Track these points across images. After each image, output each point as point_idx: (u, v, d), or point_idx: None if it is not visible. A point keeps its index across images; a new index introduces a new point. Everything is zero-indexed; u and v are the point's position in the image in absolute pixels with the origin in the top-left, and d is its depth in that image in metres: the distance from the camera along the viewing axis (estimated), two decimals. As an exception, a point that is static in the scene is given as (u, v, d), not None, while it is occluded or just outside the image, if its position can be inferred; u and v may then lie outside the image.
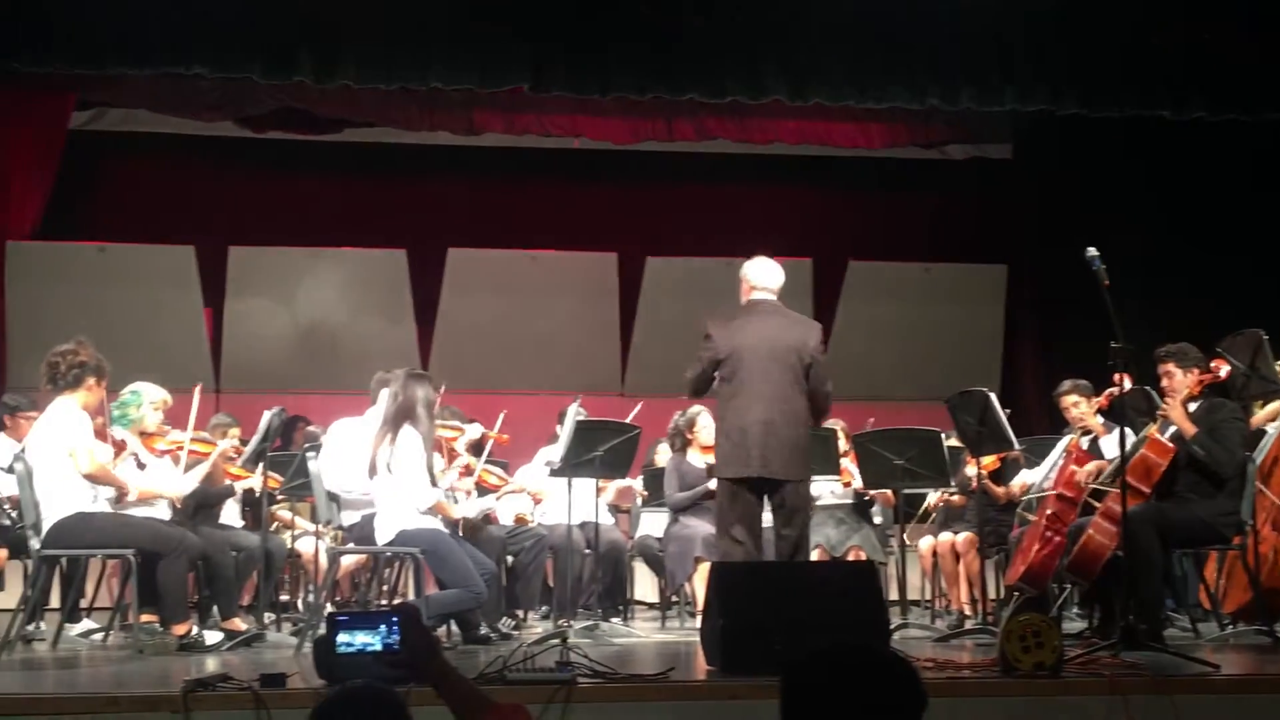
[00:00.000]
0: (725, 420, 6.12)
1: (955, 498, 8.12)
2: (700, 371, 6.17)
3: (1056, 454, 7.35)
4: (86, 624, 7.16)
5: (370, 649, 2.59)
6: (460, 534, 6.79)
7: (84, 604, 7.44)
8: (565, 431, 7.21)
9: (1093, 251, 5.57)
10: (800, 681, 2.11)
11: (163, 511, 6.60)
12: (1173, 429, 6.24)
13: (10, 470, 6.66)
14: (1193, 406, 6.25)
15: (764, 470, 5.95)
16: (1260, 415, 7.05)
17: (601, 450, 7.14)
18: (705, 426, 7.92)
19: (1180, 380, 6.26)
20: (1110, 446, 6.98)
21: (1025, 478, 7.67)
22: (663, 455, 8.63)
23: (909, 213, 11.75)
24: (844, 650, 2.30)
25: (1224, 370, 6.35)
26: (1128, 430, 5.90)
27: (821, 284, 11.16)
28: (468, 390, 9.43)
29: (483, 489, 7.70)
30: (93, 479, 6.00)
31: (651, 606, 9.29)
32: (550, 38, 8.64)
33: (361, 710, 2.27)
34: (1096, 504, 6.53)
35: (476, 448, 7.61)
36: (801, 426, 6.06)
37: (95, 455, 6.01)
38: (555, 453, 7.49)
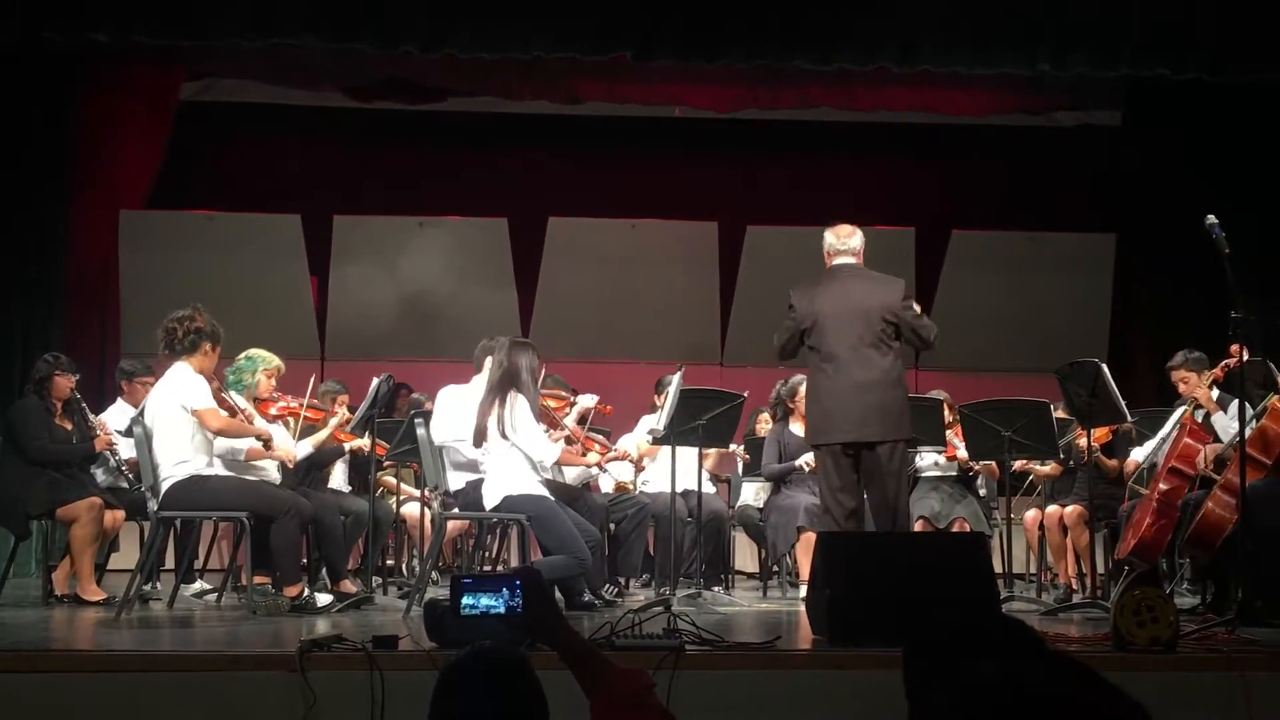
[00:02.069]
0: (815, 387, 6.11)
1: (1049, 467, 8.00)
2: (786, 339, 6.21)
3: (1169, 427, 7.21)
4: (200, 585, 7.33)
5: (494, 611, 2.60)
6: (589, 483, 6.84)
7: (198, 565, 7.60)
8: (669, 399, 7.20)
9: (1212, 219, 5.45)
10: (926, 650, 2.08)
11: (273, 475, 6.71)
12: (1296, 400, 6.09)
13: (128, 434, 6.83)
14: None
15: (856, 434, 5.93)
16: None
17: (705, 419, 7.13)
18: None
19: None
20: (1221, 422, 6.83)
21: (1136, 456, 7.54)
22: (764, 425, 8.61)
23: (1014, 181, 11.59)
24: (967, 618, 2.27)
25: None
26: (1246, 403, 5.78)
27: (924, 254, 11.03)
28: (568, 359, 9.48)
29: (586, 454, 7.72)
30: (224, 434, 6.14)
31: (751, 576, 9.29)
32: (655, 5, 8.60)
33: (494, 670, 2.29)
34: (1215, 477, 6.40)
35: (580, 417, 7.64)
36: (893, 389, 6.01)
37: (221, 415, 6.14)
38: (657, 421, 7.50)
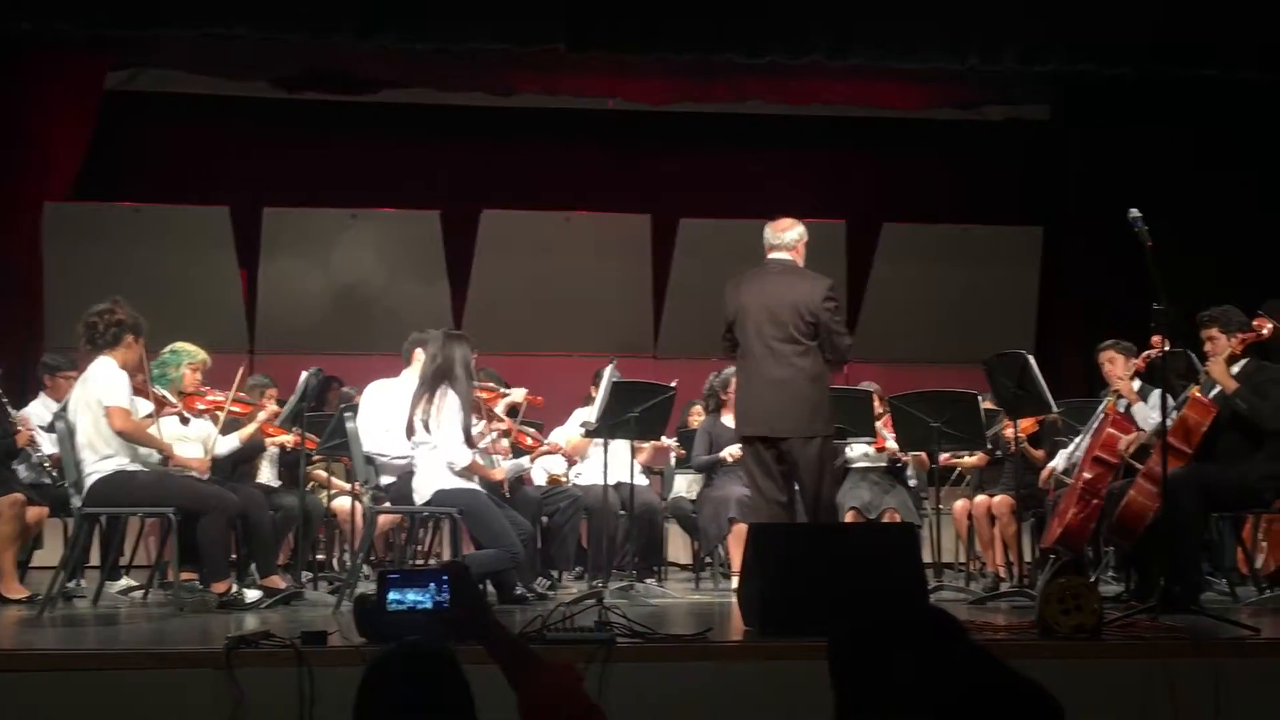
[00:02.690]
0: (737, 380, 6.15)
1: (976, 457, 8.08)
2: (722, 333, 6.22)
3: (1095, 419, 7.31)
4: (126, 581, 7.22)
5: (421, 606, 2.58)
6: (506, 492, 6.82)
7: (123, 562, 7.49)
8: (601, 392, 7.20)
9: (1135, 212, 5.51)
10: (850, 641, 2.09)
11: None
12: (1215, 389, 6.19)
13: (51, 429, 6.71)
14: (1235, 368, 6.21)
15: (768, 429, 5.95)
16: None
17: (637, 411, 7.13)
18: (740, 388, 7.91)
19: (1223, 344, 6.22)
20: (1143, 412, 6.92)
21: (1055, 463, 7.62)
22: (697, 417, 8.63)
23: (945, 174, 11.69)
24: (891, 610, 2.28)
25: (1266, 329, 6.28)
26: (1167, 394, 5.87)
27: (856, 246, 11.11)
28: (501, 352, 9.43)
29: (519, 449, 7.70)
30: (125, 436, 6.01)
31: (684, 568, 9.30)
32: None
33: (419, 667, 2.28)
34: (1138, 465, 6.50)
35: (511, 409, 7.61)
36: (807, 385, 5.94)
37: (129, 415, 6.03)
38: (589, 414, 7.50)
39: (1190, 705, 4.30)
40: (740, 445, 6.19)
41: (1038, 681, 1.57)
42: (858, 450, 8.09)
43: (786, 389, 5.91)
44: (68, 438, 6.08)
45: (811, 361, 5.96)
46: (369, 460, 6.79)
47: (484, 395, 7.06)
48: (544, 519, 7.62)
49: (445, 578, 2.61)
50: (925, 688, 1.61)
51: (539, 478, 8.06)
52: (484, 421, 6.82)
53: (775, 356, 5.93)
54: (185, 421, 6.73)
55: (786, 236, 6.17)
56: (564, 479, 8.05)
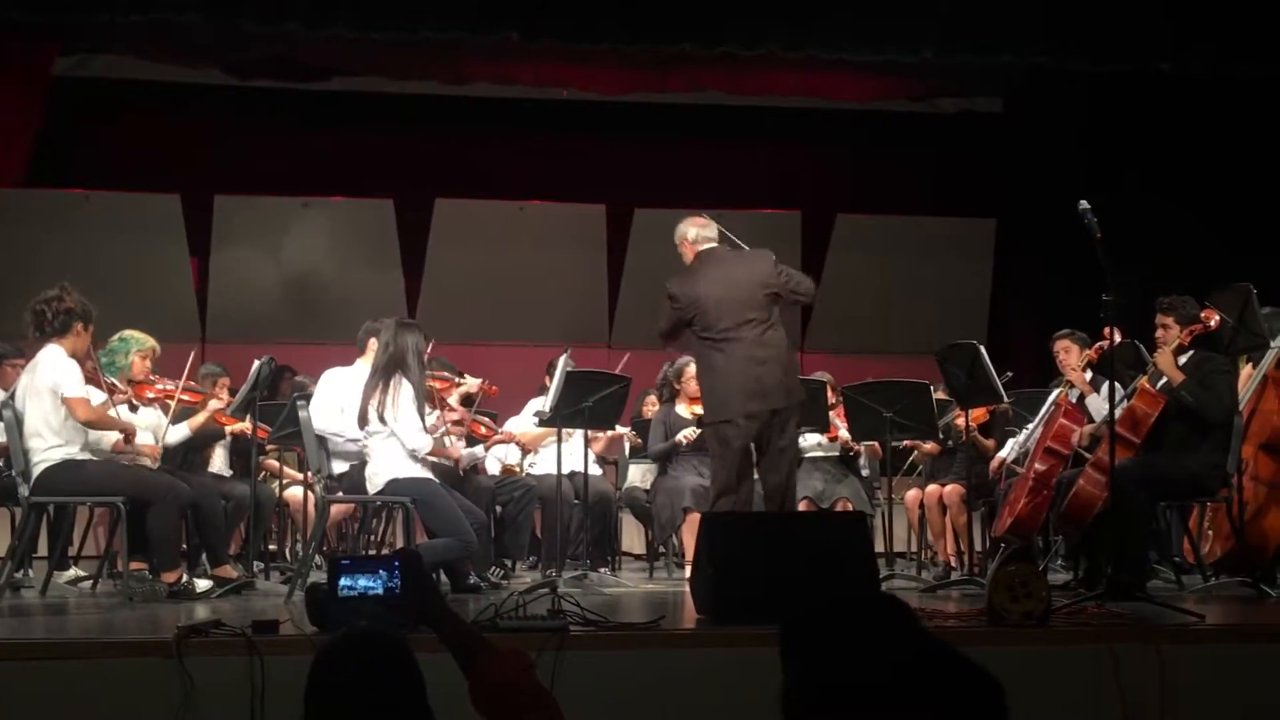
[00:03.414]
0: (711, 369, 6.14)
1: (930, 446, 8.14)
2: (668, 327, 6.27)
3: (1046, 409, 7.38)
4: (75, 571, 7.14)
5: (372, 593, 2.58)
6: (462, 474, 6.82)
7: (72, 552, 7.42)
8: (555, 381, 7.20)
9: (1085, 204, 5.54)
10: (802, 628, 2.11)
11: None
12: (1163, 380, 6.27)
13: (-2, 418, 6.64)
14: (1182, 359, 6.28)
15: (759, 404, 5.97)
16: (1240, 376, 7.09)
17: (591, 401, 7.13)
18: (693, 377, 7.92)
19: (1174, 334, 6.29)
20: (1094, 403, 7.00)
21: (1003, 453, 7.69)
22: (651, 407, 8.65)
23: (898, 166, 11.75)
24: (843, 596, 2.30)
25: (1214, 320, 6.36)
26: (1116, 384, 5.93)
27: (810, 237, 11.17)
28: (455, 341, 9.42)
29: (472, 438, 7.70)
30: (92, 425, 5.98)
31: (638, 557, 9.32)
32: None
33: (369, 652, 2.28)
34: (1088, 455, 6.57)
35: (466, 399, 7.60)
36: (785, 357, 6.12)
37: (91, 405, 5.99)
38: (544, 403, 7.50)
39: (1136, 690, 4.34)
40: (717, 431, 6.17)
41: (980, 664, 1.58)
42: (811, 440, 8.12)
43: (770, 365, 5.99)
44: (15, 426, 6.02)
45: (782, 336, 6.12)
46: (322, 443, 6.75)
47: (438, 385, 7.05)
48: (498, 508, 7.61)
49: (397, 564, 2.61)
50: (873, 670, 1.63)
51: (493, 467, 8.05)
52: (438, 411, 6.80)
53: (754, 337, 6.00)
54: (134, 409, 6.68)
55: (707, 232, 6.29)
56: (518, 469, 8.06)
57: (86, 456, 6.03)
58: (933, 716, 1.48)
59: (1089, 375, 7.13)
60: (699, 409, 7.72)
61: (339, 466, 6.79)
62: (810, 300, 6.45)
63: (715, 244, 6.26)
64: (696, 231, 6.29)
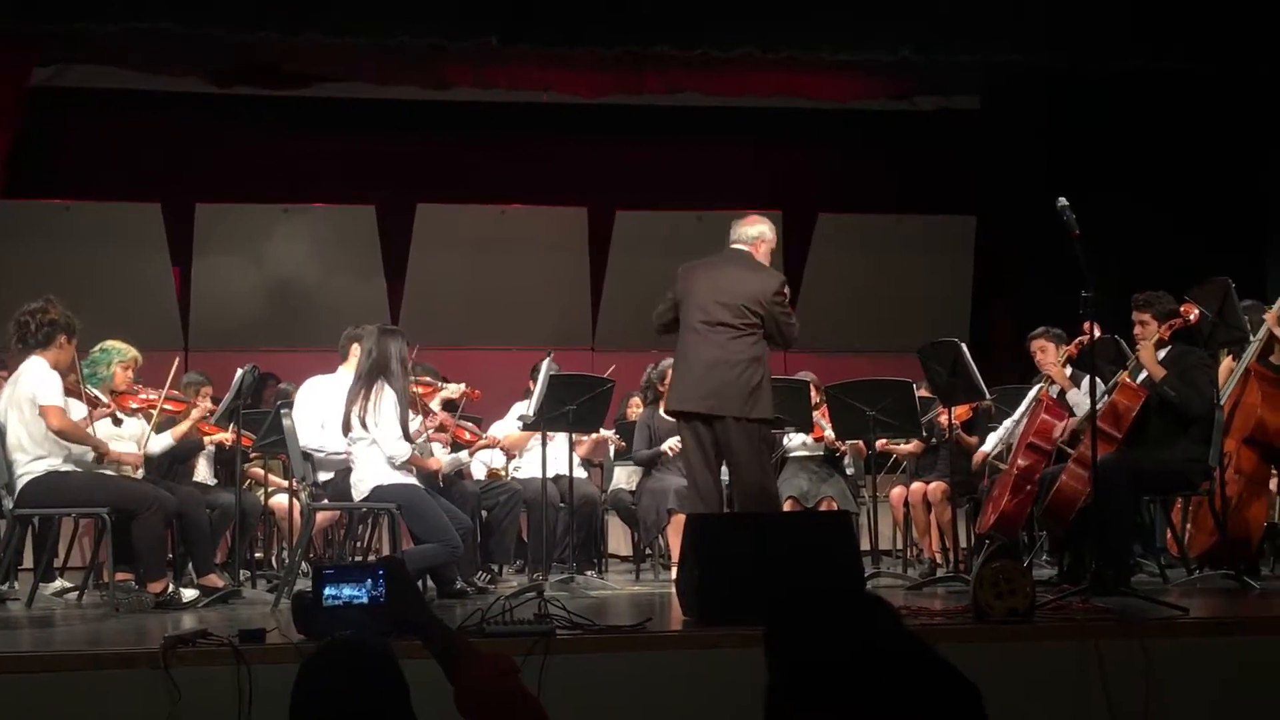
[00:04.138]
0: (676, 358, 6.21)
1: (914, 444, 8.17)
2: (661, 310, 6.24)
3: (1025, 406, 7.41)
4: (60, 583, 7.13)
5: (357, 601, 2.59)
6: (441, 484, 6.82)
7: (57, 563, 7.40)
8: (539, 385, 7.20)
9: (1063, 201, 5.56)
10: (786, 624, 2.12)
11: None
12: (1144, 375, 6.29)
13: (-20, 430, 6.62)
14: (1163, 353, 6.31)
15: (698, 406, 5.98)
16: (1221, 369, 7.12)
17: (575, 404, 7.14)
18: (678, 378, 7.93)
19: (1153, 330, 6.32)
20: (1075, 398, 7.02)
21: (986, 447, 7.72)
22: (635, 409, 8.65)
23: (878, 165, 11.77)
24: (826, 596, 2.31)
25: (1193, 314, 6.40)
26: (1097, 379, 5.95)
27: (791, 236, 11.14)
28: (438, 346, 9.41)
29: (457, 443, 7.70)
30: (63, 436, 5.95)
31: (625, 559, 9.32)
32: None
33: (353, 661, 2.28)
34: (1070, 450, 6.60)
35: (449, 404, 7.60)
36: (743, 370, 5.97)
37: (65, 414, 5.96)
38: (528, 407, 7.49)
39: (1121, 684, 4.37)
40: (678, 427, 6.21)
41: (957, 667, 1.60)
42: (795, 440, 8.16)
43: (720, 371, 5.95)
44: (-1, 439, 6.01)
45: (749, 346, 6.00)
46: (306, 457, 6.75)
47: (421, 390, 7.05)
48: (483, 513, 7.61)
49: (381, 573, 2.62)
50: (853, 670, 1.64)
51: (478, 472, 8.06)
52: (421, 417, 6.80)
53: (713, 339, 5.98)
54: (118, 422, 6.66)
55: (749, 231, 6.24)
56: (503, 473, 8.06)
57: (70, 468, 6.01)
58: (910, 718, 1.49)
59: (1069, 371, 7.16)
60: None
61: (324, 474, 6.78)
62: (786, 347, 6.37)
63: (743, 246, 6.20)
64: (732, 228, 6.30)
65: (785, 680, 1.64)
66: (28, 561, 7.24)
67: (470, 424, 7.98)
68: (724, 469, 6.22)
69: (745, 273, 6.12)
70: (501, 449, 8.09)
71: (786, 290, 6.15)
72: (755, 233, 6.24)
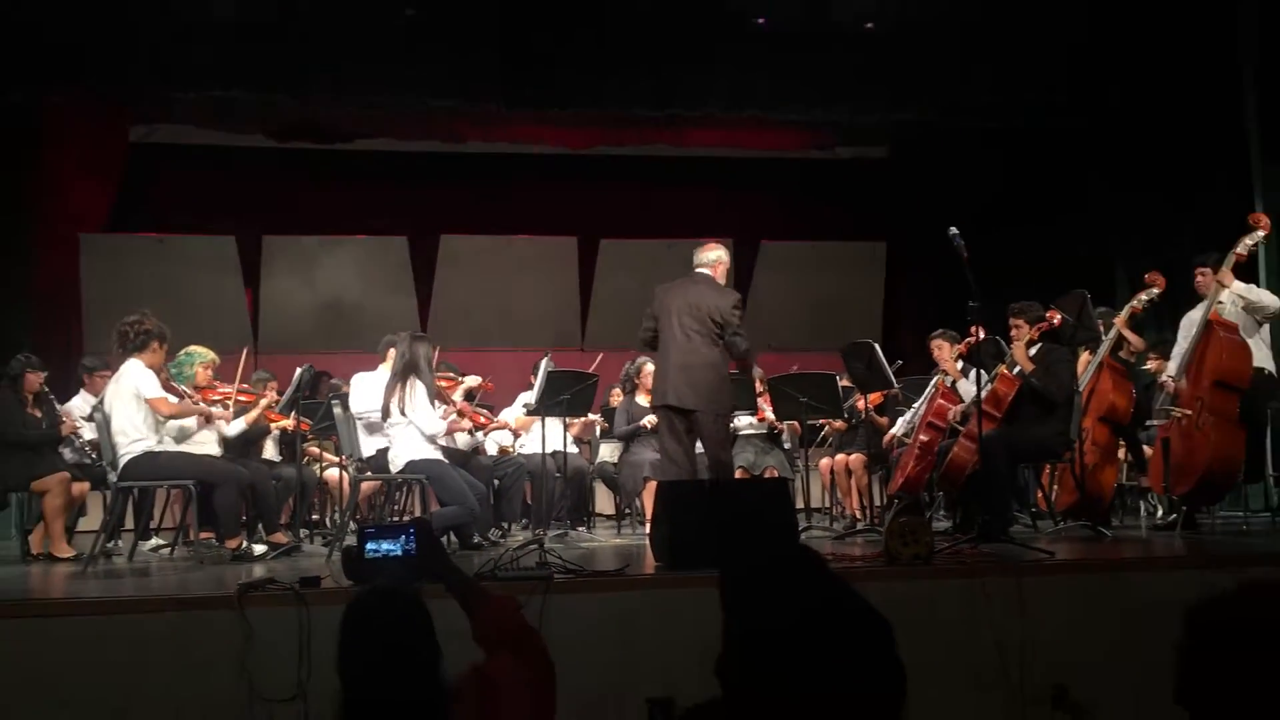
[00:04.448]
0: (658, 363, 6.19)
1: (837, 423, 8.19)
2: (644, 327, 6.22)
3: (927, 392, 7.44)
4: (155, 541, 7.09)
5: (393, 554, 2.57)
6: (468, 449, 6.80)
7: (153, 525, 7.36)
8: (539, 379, 7.19)
9: (954, 230, 5.58)
10: (737, 574, 2.12)
11: (215, 449, 6.54)
12: (1018, 368, 6.32)
13: (90, 419, 6.58)
14: (1033, 350, 6.34)
15: (677, 401, 5.98)
16: (1079, 362, 7.14)
17: (568, 394, 7.13)
18: (650, 373, 7.93)
19: (1025, 331, 6.34)
20: (966, 388, 7.05)
21: (895, 430, 7.73)
22: (616, 398, 8.65)
23: (807, 202, 11.78)
24: (769, 548, 2.30)
25: (1057, 319, 6.42)
26: (982, 371, 5.98)
27: (740, 260, 11.09)
28: (458, 348, 9.39)
29: (474, 426, 7.66)
30: (174, 416, 5.97)
31: (609, 517, 9.31)
32: (518, 66, 8.59)
33: (390, 602, 2.27)
34: (960, 428, 6.62)
35: (468, 394, 7.58)
36: (710, 371, 5.99)
37: (169, 402, 5.96)
38: (531, 397, 7.48)
39: (1002, 613, 4.37)
40: (657, 414, 6.21)
41: (871, 604, 1.59)
42: (744, 421, 8.15)
43: (695, 372, 5.96)
44: (104, 426, 5.96)
45: (716, 353, 6.03)
46: (359, 426, 6.71)
47: (444, 383, 7.02)
48: (495, 481, 7.59)
49: (412, 531, 2.60)
50: (792, 608, 1.64)
51: (491, 449, 8.03)
52: (445, 405, 6.78)
53: (689, 346, 5.98)
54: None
55: (708, 256, 6.24)
56: (511, 449, 8.04)
57: (163, 448, 5.98)
58: (836, 650, 1.49)
59: (960, 365, 7.19)
60: (656, 399, 7.74)
61: (367, 450, 6.74)
62: (737, 358, 6.28)
63: (705, 269, 6.19)
64: (693, 254, 6.28)
65: (740, 620, 1.64)
66: (129, 524, 7.19)
67: (485, 410, 7.96)
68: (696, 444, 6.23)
69: (708, 291, 6.12)
70: (510, 430, 8.07)
71: (741, 306, 6.15)
72: (713, 257, 6.23)
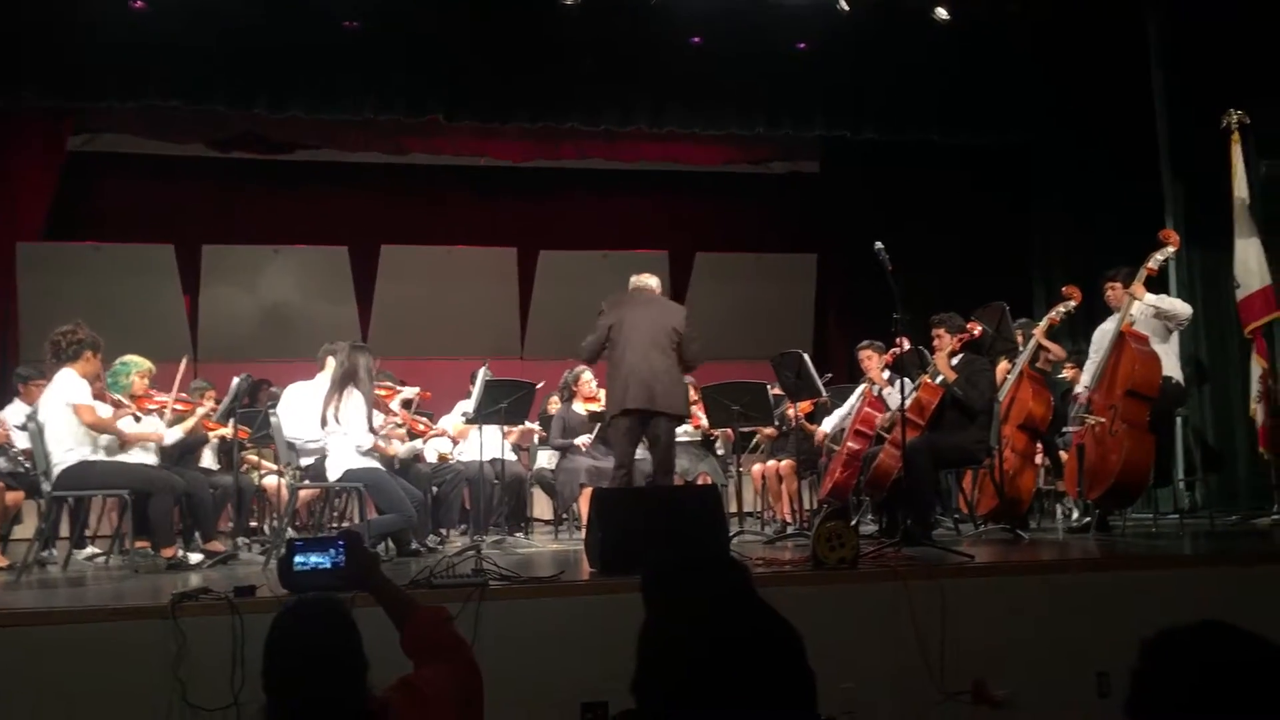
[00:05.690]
0: (613, 372, 6.20)
1: (769, 430, 8.24)
2: (595, 339, 6.30)
3: (853, 400, 7.50)
4: (90, 550, 6.93)
5: (322, 567, 2.53)
6: (398, 467, 6.73)
7: (88, 534, 7.19)
8: (477, 388, 7.15)
9: (879, 245, 5.64)
10: (657, 578, 2.12)
11: (152, 458, 6.40)
12: (940, 377, 6.39)
13: (24, 428, 6.41)
14: (954, 360, 6.42)
15: (643, 404, 6.05)
16: (998, 371, 7.25)
17: (506, 402, 7.09)
18: (587, 381, 7.93)
19: (947, 342, 6.42)
20: (891, 396, 7.12)
21: (825, 428, 7.80)
22: (554, 406, 8.62)
23: (741, 214, 11.85)
24: (690, 555, 2.31)
25: (977, 330, 6.51)
26: (907, 380, 6.05)
27: (675, 271, 11.18)
28: (398, 357, 9.29)
29: (412, 434, 7.59)
30: (95, 429, 5.80)
31: (547, 523, 9.28)
32: (460, 79, 8.55)
33: (313, 615, 2.23)
34: (886, 435, 6.68)
35: (406, 403, 7.52)
36: (671, 374, 6.20)
37: (95, 411, 5.81)
38: (469, 405, 7.43)
39: (924, 615, 4.41)
40: (615, 420, 6.24)
41: (782, 616, 1.59)
42: (678, 428, 8.15)
43: (658, 380, 6.13)
44: (38, 435, 5.81)
45: (674, 363, 6.26)
46: (290, 445, 6.62)
47: (383, 392, 6.95)
48: (434, 488, 7.52)
49: (341, 544, 2.56)
50: (706, 611, 1.63)
51: (430, 456, 7.96)
52: (384, 416, 6.71)
53: (651, 359, 6.14)
54: (138, 419, 6.49)
55: (651, 282, 6.51)
56: (450, 456, 7.98)
57: (98, 457, 5.84)
58: (746, 654, 1.48)
59: (886, 374, 7.26)
60: (591, 406, 7.76)
61: (306, 460, 6.65)
62: (692, 366, 6.48)
63: (649, 288, 6.43)
64: (633, 279, 6.52)
65: (656, 627, 1.63)
66: (64, 532, 7.01)
67: (424, 418, 7.89)
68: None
69: (663, 309, 6.36)
70: (449, 438, 8.01)
71: (690, 318, 6.34)
72: (655, 283, 6.51)
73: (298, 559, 2.50)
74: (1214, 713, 1.33)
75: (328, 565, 2.52)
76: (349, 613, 2.26)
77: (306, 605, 2.24)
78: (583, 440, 7.56)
